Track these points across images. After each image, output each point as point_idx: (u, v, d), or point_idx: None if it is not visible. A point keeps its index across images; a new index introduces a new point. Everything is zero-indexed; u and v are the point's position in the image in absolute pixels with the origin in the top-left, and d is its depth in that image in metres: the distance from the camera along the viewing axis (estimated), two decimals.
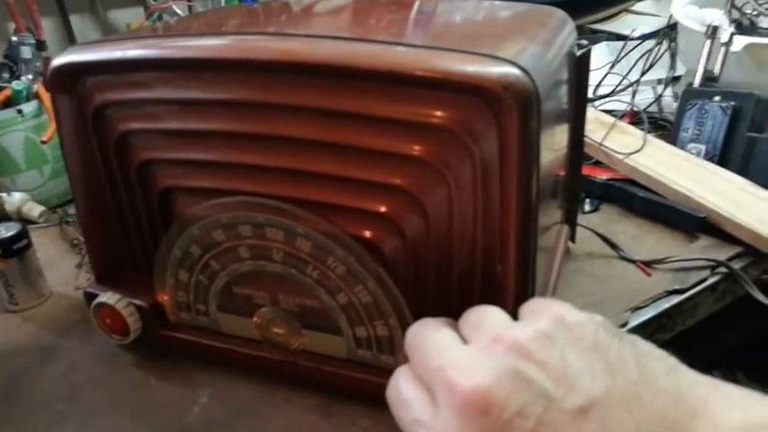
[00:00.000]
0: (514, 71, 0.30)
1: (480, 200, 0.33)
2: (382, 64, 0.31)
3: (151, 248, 0.43)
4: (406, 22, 0.43)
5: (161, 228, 0.41)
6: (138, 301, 0.43)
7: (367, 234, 0.36)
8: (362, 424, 0.38)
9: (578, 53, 0.44)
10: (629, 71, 0.80)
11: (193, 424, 0.39)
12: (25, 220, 0.65)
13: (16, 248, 0.49)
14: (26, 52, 0.68)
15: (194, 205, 0.38)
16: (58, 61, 0.38)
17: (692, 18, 0.75)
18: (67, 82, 0.38)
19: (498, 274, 0.34)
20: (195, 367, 0.43)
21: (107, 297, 0.42)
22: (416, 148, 0.33)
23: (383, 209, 0.35)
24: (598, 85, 0.82)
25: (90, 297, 0.44)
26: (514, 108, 0.29)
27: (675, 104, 0.82)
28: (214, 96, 0.36)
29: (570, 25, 0.45)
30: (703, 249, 0.54)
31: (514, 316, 0.34)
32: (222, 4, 0.87)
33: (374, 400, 0.38)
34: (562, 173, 0.47)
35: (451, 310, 0.37)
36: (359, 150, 0.34)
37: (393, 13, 0.45)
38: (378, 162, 0.34)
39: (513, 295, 0.34)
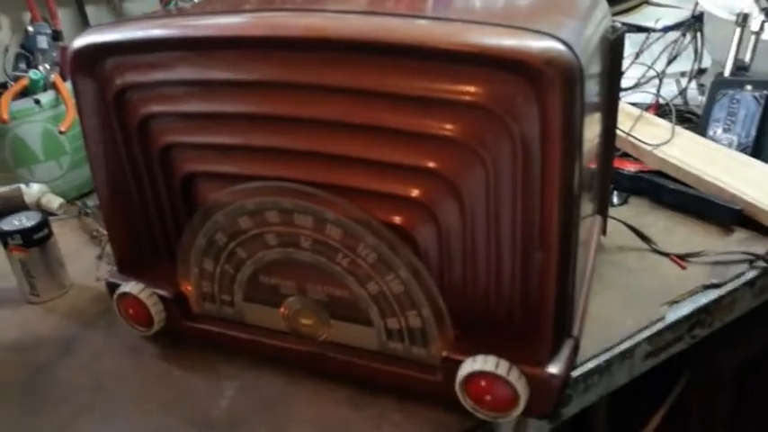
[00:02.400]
0: (557, 45, 0.28)
1: (520, 183, 0.31)
2: (413, 38, 0.30)
3: (174, 236, 0.42)
4: (428, 1, 0.42)
5: (184, 215, 0.40)
6: (161, 291, 0.42)
7: (398, 220, 0.35)
8: (393, 418, 0.37)
9: (612, 38, 0.43)
10: (654, 62, 0.78)
11: (220, 417, 0.38)
12: (44, 212, 0.64)
13: (37, 238, 0.48)
14: (42, 42, 0.68)
15: (218, 191, 0.37)
16: (78, 43, 0.37)
17: (720, 7, 0.73)
18: (88, 64, 0.37)
19: (537, 261, 0.33)
20: (220, 359, 0.42)
21: (130, 287, 0.41)
22: (450, 127, 0.32)
23: (415, 193, 0.34)
24: (621, 76, 0.80)
25: (112, 287, 0.43)
26: (558, 84, 0.28)
27: (700, 97, 0.80)
28: (236, 77, 0.35)
29: (603, 5, 0.43)
30: (739, 243, 0.52)
31: (558, 306, 0.33)
32: None
33: (406, 393, 0.37)
34: (595, 164, 0.46)
35: (489, 300, 0.36)
36: (389, 131, 0.33)
37: None
38: (409, 144, 0.33)
39: (554, 284, 0.32)
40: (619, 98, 0.49)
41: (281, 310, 0.39)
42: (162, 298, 0.42)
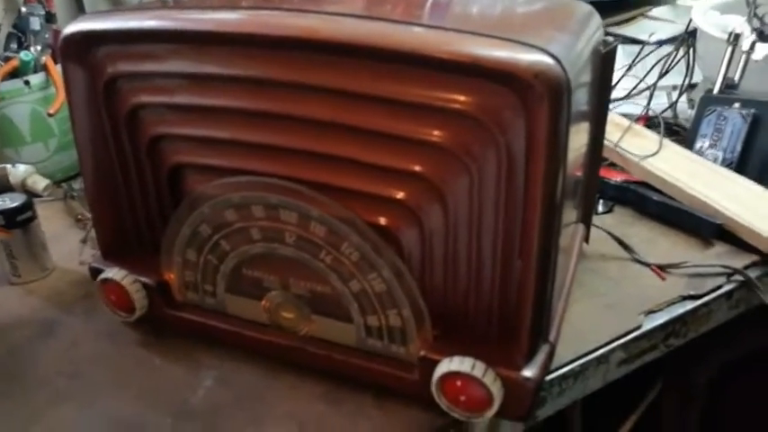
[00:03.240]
0: (546, 59, 0.29)
1: (503, 192, 0.32)
2: (406, 44, 0.30)
3: (159, 226, 0.42)
4: (425, 8, 0.42)
5: (170, 205, 0.40)
6: (144, 279, 0.42)
7: (382, 221, 0.35)
8: (370, 414, 0.37)
9: (604, 51, 0.43)
10: (646, 75, 0.79)
11: (197, 406, 0.38)
12: (30, 193, 0.64)
13: (20, 220, 0.48)
14: (35, 23, 0.67)
15: (205, 183, 0.38)
16: (69, 29, 0.37)
17: (712, 24, 0.74)
18: (79, 51, 0.37)
19: (516, 269, 0.33)
20: (200, 348, 0.42)
21: (113, 273, 0.41)
22: (437, 133, 0.32)
23: (400, 195, 0.34)
24: (612, 88, 0.81)
25: (95, 272, 0.43)
26: (546, 97, 0.28)
27: (690, 111, 0.81)
28: (229, 72, 0.35)
29: (596, 19, 0.44)
30: (719, 256, 0.53)
31: (535, 312, 0.34)
32: None
33: (383, 390, 0.38)
34: (580, 173, 0.47)
35: (468, 304, 0.36)
36: (377, 134, 0.33)
37: None
38: (397, 147, 0.33)
39: (532, 291, 0.33)
40: (608, 109, 0.50)
41: (263, 302, 0.40)
42: (144, 285, 0.42)
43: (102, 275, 0.42)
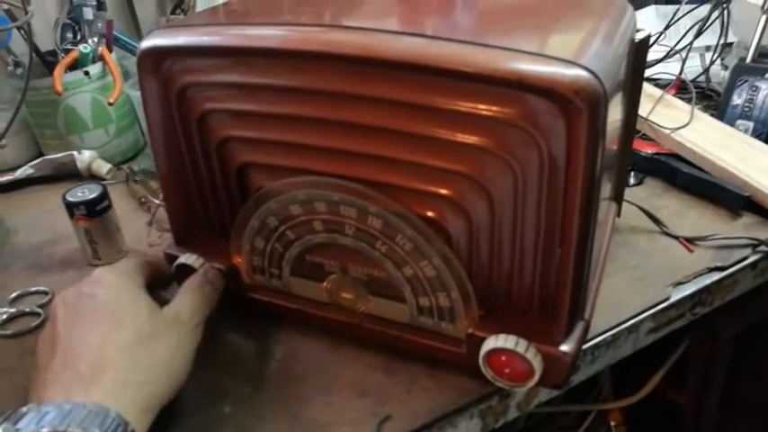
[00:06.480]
0: (584, 75, 0.32)
1: (545, 189, 0.35)
2: (455, 62, 0.33)
3: (227, 216, 0.46)
4: (459, 8, 0.44)
5: (237, 199, 0.45)
6: (216, 264, 0.47)
7: (433, 214, 0.39)
8: (423, 383, 0.42)
9: (637, 39, 0.45)
10: (679, 41, 0.79)
11: (271, 376, 0.43)
12: (94, 177, 0.69)
13: (99, 209, 0.53)
14: (88, 13, 0.71)
15: (269, 181, 0.42)
16: (145, 44, 0.41)
17: None
18: (153, 64, 0.41)
19: (556, 257, 0.37)
20: (269, 326, 0.47)
21: (191, 259, 0.46)
22: (483, 139, 0.35)
23: (450, 192, 0.38)
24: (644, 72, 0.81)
25: (171, 258, 0.48)
26: (584, 111, 0.31)
27: (723, 73, 0.81)
28: (289, 83, 0.38)
29: (630, 12, 0.45)
30: (746, 227, 0.56)
31: (573, 295, 0.37)
32: None
33: (434, 361, 0.43)
34: (615, 147, 0.49)
35: (511, 287, 0.40)
36: (429, 139, 0.36)
37: None
38: (446, 150, 0.36)
39: (570, 277, 0.37)
40: (641, 88, 0.52)
41: (325, 284, 0.44)
42: (217, 269, 0.47)
43: (179, 261, 0.47)
